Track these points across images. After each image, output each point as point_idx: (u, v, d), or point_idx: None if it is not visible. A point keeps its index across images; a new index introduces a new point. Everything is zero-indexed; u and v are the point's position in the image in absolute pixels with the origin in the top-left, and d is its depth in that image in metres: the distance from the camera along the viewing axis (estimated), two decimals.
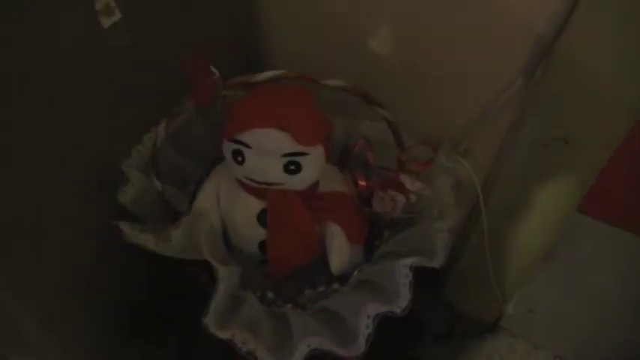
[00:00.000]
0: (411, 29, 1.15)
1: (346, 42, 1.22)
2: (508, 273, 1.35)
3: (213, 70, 0.92)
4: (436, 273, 0.99)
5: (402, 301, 0.89)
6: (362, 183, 1.06)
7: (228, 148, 0.97)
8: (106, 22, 0.97)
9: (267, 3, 1.28)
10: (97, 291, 1.10)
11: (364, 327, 0.89)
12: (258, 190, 1.00)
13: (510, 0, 1.00)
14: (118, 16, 0.98)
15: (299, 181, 0.97)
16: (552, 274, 1.58)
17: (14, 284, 0.93)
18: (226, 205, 1.05)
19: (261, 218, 1.02)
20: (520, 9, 1.00)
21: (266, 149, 0.93)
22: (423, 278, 0.95)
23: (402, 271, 0.91)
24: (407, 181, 1.03)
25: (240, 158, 0.95)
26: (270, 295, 1.02)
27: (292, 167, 0.94)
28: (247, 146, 0.94)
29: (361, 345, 0.88)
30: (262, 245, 1.04)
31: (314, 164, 0.96)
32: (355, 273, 1.02)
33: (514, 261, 1.31)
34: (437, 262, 0.94)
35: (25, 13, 0.84)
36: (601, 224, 1.70)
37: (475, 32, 1.07)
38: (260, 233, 1.03)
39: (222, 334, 0.87)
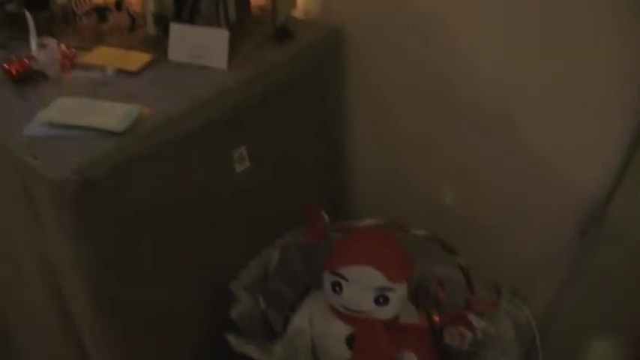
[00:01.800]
0: (475, 188, 1.38)
1: (420, 198, 1.46)
2: None
3: (324, 215, 1.15)
4: None
5: None
6: (436, 318, 1.23)
7: (328, 279, 1.17)
8: (239, 168, 1.23)
9: (357, 173, 1.56)
10: None
11: None
12: (348, 316, 1.18)
13: (566, 164, 1.22)
14: (247, 164, 1.24)
15: (385, 312, 1.15)
16: None
17: None
18: (319, 328, 1.23)
19: (349, 341, 1.19)
20: (575, 172, 1.21)
21: (361, 283, 1.13)
22: None
23: None
24: (474, 319, 1.20)
25: (337, 288, 1.15)
26: None
27: (381, 300, 1.13)
28: (345, 279, 1.14)
29: None
30: None
31: (399, 298, 1.15)
32: None
33: None
34: None
35: (176, 155, 1.09)
36: None
37: (533, 191, 1.28)
38: (347, 354, 1.19)
39: None
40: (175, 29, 1.22)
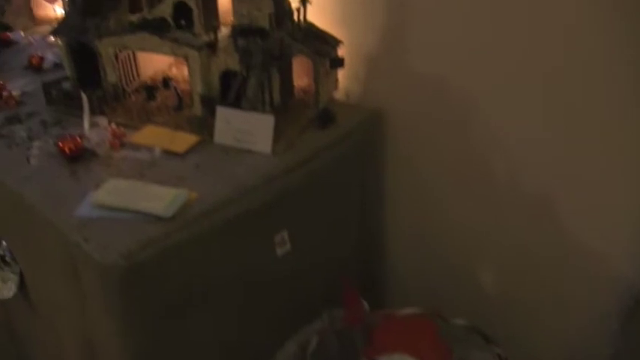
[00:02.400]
0: (515, 273, 1.38)
1: (459, 282, 1.46)
2: None
3: (363, 300, 1.16)
4: None
5: None
6: None
7: None
8: (280, 251, 1.24)
9: (395, 257, 1.58)
10: None
11: None
12: None
13: (607, 250, 1.21)
14: (288, 247, 1.25)
15: None
16: None
17: None
18: None
19: None
20: (616, 257, 1.20)
21: None
22: None
23: None
24: None
25: None
26: None
27: None
28: None
29: None
30: None
31: None
32: None
33: None
34: None
35: (219, 240, 1.11)
36: None
37: (573, 276, 1.28)
38: None
39: None
40: (221, 113, 1.26)
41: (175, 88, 1.41)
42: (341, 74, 1.47)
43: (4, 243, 1.39)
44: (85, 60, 1.42)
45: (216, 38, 1.32)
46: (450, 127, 1.37)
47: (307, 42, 1.36)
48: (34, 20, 2.03)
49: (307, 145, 1.28)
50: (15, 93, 1.50)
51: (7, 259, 1.40)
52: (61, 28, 1.42)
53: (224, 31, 1.36)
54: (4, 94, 1.48)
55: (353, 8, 1.44)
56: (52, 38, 1.90)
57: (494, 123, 1.29)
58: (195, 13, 1.36)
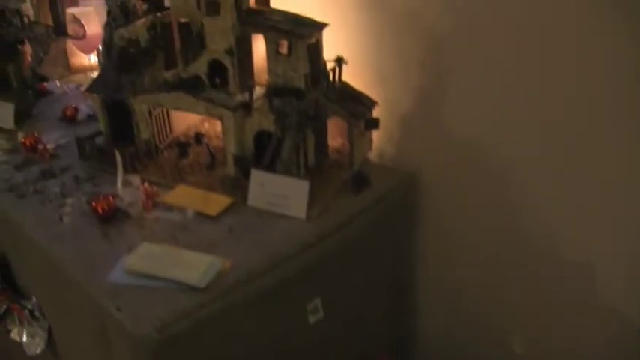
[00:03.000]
0: (546, 337, 1.33)
1: (490, 344, 1.40)
2: None
3: None
4: None
5: None
6: None
7: None
8: (312, 318, 1.20)
9: (427, 319, 1.54)
10: None
11: None
12: None
13: None
14: (321, 314, 1.21)
15: None
16: None
17: None
18: None
19: None
20: None
21: None
22: None
23: None
24: None
25: None
26: None
27: None
28: None
29: None
30: None
31: None
32: None
33: None
34: None
35: (253, 309, 1.07)
36: None
37: (609, 342, 1.23)
38: None
39: None
40: (256, 176, 1.24)
41: (208, 147, 1.39)
42: (375, 134, 1.44)
43: (34, 298, 1.38)
44: (119, 115, 1.42)
45: (251, 98, 1.31)
46: (485, 191, 1.34)
47: (342, 103, 1.34)
48: (70, 69, 2.05)
49: (342, 210, 1.25)
50: (50, 146, 1.50)
51: (37, 314, 1.38)
52: (96, 84, 1.42)
53: (259, 91, 1.34)
54: (40, 147, 1.48)
55: (389, 68, 1.42)
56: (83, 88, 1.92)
57: (531, 188, 1.25)
58: (231, 72, 1.35)
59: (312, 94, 1.32)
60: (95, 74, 2.00)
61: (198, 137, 1.48)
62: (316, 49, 1.35)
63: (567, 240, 1.23)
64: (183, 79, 1.39)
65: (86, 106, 1.71)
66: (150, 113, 1.38)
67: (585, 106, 1.11)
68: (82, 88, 1.94)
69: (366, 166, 1.40)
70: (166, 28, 1.44)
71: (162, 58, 1.43)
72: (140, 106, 1.37)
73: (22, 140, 1.51)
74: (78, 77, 2.05)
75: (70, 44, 1.99)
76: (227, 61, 1.34)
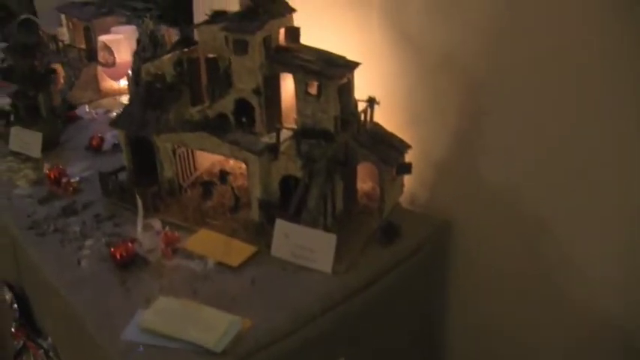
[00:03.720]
0: None
1: None
2: None
3: None
4: None
5: None
6: None
7: None
8: None
9: None
10: None
11: None
12: None
13: None
14: None
15: None
16: None
17: None
18: None
19: None
20: None
21: None
22: None
23: None
24: None
25: None
26: None
27: None
28: None
29: None
30: None
31: None
32: None
33: None
34: None
35: None
36: None
37: None
38: None
39: None
40: (281, 226, 1.17)
41: (233, 190, 1.32)
42: (406, 177, 1.36)
43: (49, 339, 1.33)
44: (143, 151, 1.36)
45: (278, 141, 1.23)
46: (520, 240, 1.24)
47: (374, 147, 1.27)
48: (100, 93, 2.01)
49: (370, 264, 1.17)
50: (73, 180, 1.45)
51: (51, 354, 1.33)
52: (122, 119, 1.37)
53: (286, 132, 1.27)
54: (64, 180, 1.43)
55: (422, 109, 1.34)
56: (114, 115, 1.88)
57: (569, 239, 1.16)
58: (258, 112, 1.29)
59: (342, 137, 1.24)
60: (124, 99, 1.96)
61: (223, 175, 1.41)
62: (347, 90, 1.27)
63: (608, 298, 1.13)
64: (208, 117, 1.33)
65: (112, 135, 1.66)
66: (174, 151, 1.32)
67: (634, 156, 1.02)
68: (111, 115, 1.90)
69: (397, 213, 1.32)
70: (193, 63, 1.38)
71: (188, 93, 1.37)
72: (164, 144, 1.32)
73: (47, 172, 1.46)
74: (107, 101, 2.01)
75: (100, 70, 1.95)
76: (254, 101, 1.28)
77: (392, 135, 1.33)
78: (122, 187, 1.35)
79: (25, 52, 1.53)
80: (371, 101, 1.31)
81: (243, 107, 1.31)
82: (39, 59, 1.56)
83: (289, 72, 1.26)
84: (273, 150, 1.23)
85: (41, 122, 1.62)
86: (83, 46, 2.06)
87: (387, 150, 1.28)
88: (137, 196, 1.25)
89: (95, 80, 1.99)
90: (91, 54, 1.95)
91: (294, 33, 1.32)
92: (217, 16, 1.33)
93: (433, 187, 1.37)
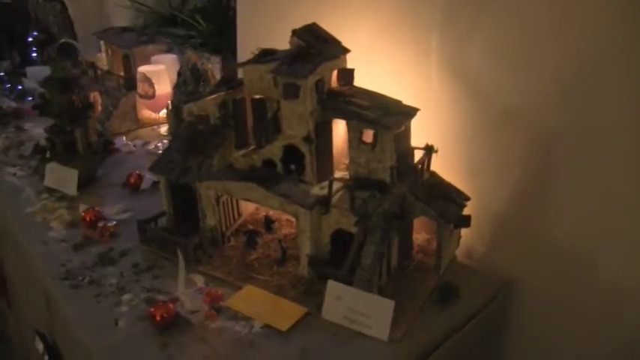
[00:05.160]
0: None
1: None
2: None
3: None
4: None
5: None
6: None
7: None
8: None
9: None
10: None
11: None
12: None
13: None
14: None
15: None
16: None
17: None
18: None
19: None
20: None
21: None
22: None
23: None
24: None
25: None
26: None
27: None
28: None
29: None
30: None
31: None
32: None
33: None
34: None
35: None
36: None
37: None
38: None
39: None
40: (333, 288, 1.05)
41: (280, 242, 1.21)
42: (464, 229, 1.22)
43: None
44: (184, 195, 1.25)
45: (330, 193, 1.11)
46: (594, 311, 1.10)
47: (432, 200, 1.14)
48: (138, 123, 1.92)
49: (427, 328, 1.05)
50: (110, 224, 1.34)
51: None
52: (162, 165, 1.26)
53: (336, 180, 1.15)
54: (100, 224, 1.33)
55: (483, 159, 1.21)
56: (152, 147, 1.78)
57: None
58: (308, 159, 1.17)
59: (399, 188, 1.12)
60: (163, 129, 1.87)
61: (268, 223, 1.30)
62: (404, 137, 1.16)
63: None
64: (254, 164, 1.22)
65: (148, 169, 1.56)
66: (217, 199, 1.21)
67: None
68: (149, 147, 1.80)
69: (453, 269, 1.19)
70: (238, 104, 1.27)
71: (232, 137, 1.26)
72: (207, 192, 1.20)
73: (82, 214, 1.36)
74: (145, 132, 1.92)
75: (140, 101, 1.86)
76: (304, 148, 1.16)
77: (450, 185, 1.21)
78: (161, 236, 1.24)
79: (63, 87, 1.44)
80: (429, 149, 1.18)
81: (292, 153, 1.19)
82: (77, 94, 1.46)
83: (343, 119, 1.14)
84: (325, 203, 1.11)
85: (78, 158, 1.53)
86: (122, 73, 1.96)
87: (446, 203, 1.15)
88: (178, 253, 1.13)
89: (134, 110, 1.90)
90: (130, 83, 1.86)
91: (347, 75, 1.21)
92: (265, 56, 1.22)
93: (492, 241, 1.24)
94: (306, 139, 1.15)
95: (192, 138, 1.25)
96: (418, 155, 1.18)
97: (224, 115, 1.25)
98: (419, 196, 1.14)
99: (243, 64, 1.24)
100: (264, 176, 1.15)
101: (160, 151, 1.74)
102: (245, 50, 1.76)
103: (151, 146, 1.82)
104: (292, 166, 1.19)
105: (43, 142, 1.58)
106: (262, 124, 1.23)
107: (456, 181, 1.21)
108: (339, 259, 1.10)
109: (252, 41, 1.70)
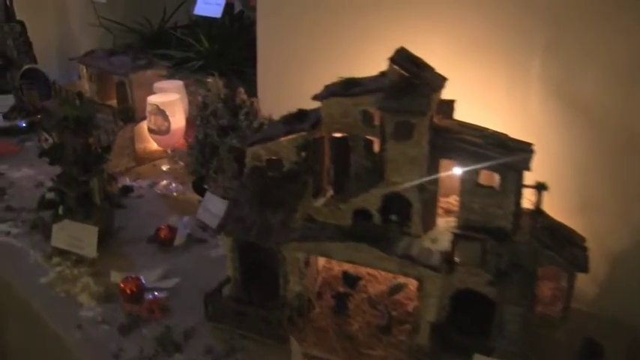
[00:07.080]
0: None
1: None
2: None
3: None
4: None
5: None
6: None
7: None
8: None
9: None
10: None
11: None
12: None
13: None
14: None
15: None
16: None
17: None
18: None
19: None
20: None
21: None
22: None
23: None
24: None
25: None
26: None
27: None
28: None
29: None
30: None
31: None
32: None
33: None
34: None
35: None
36: None
37: None
38: None
39: None
40: None
41: (387, 307, 0.99)
42: None
43: None
44: (250, 259, 1.01)
45: (453, 250, 0.91)
46: None
47: (559, 246, 0.96)
48: (135, 159, 1.61)
49: None
50: (160, 296, 1.06)
51: None
52: (230, 223, 1.00)
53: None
54: (148, 297, 1.05)
55: (595, 194, 1.06)
56: (161, 188, 1.50)
57: None
58: (416, 209, 0.96)
59: (521, 236, 0.94)
60: (164, 165, 1.58)
61: (350, 279, 1.07)
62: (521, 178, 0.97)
63: None
64: (343, 216, 0.99)
65: (183, 223, 1.28)
66: (306, 262, 0.97)
67: None
68: (157, 188, 1.51)
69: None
70: (318, 145, 1.03)
71: (312, 185, 1.03)
72: (294, 254, 0.96)
73: (121, 285, 1.07)
74: (145, 170, 1.62)
75: (138, 131, 1.56)
76: (413, 197, 0.95)
77: (563, 226, 1.04)
78: (237, 310, 0.99)
79: (78, 129, 1.13)
80: (540, 187, 1.01)
81: (392, 202, 0.98)
82: (96, 136, 1.15)
83: (457, 160, 0.94)
84: (449, 261, 0.91)
85: (93, 212, 1.22)
86: (110, 102, 1.65)
87: (572, 249, 0.98)
88: (292, 342, 0.89)
89: (131, 144, 1.59)
90: (126, 114, 1.55)
91: (448, 107, 1.01)
92: (351, 86, 1.00)
93: (606, 283, 1.08)
94: (419, 187, 0.94)
95: (265, 188, 1.01)
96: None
97: (305, 159, 1.01)
98: (546, 243, 0.96)
99: (323, 97, 1.01)
100: (376, 234, 0.93)
101: (174, 193, 1.46)
102: (266, 73, 1.52)
103: (159, 187, 1.53)
104: (393, 217, 0.98)
105: (49, 195, 1.24)
106: (350, 168, 1.00)
107: (564, 218, 1.05)
108: (458, 323, 0.91)
109: (274, 62, 1.47)
